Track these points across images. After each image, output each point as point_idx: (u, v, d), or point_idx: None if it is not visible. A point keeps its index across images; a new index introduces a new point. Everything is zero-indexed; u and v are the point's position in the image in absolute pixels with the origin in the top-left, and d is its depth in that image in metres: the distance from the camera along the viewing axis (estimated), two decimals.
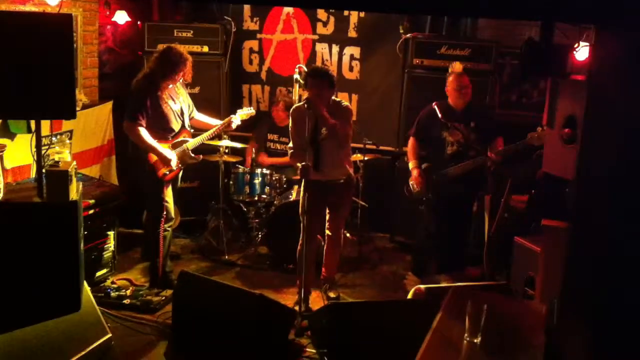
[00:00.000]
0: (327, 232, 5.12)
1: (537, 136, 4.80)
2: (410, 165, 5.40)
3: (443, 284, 4.73)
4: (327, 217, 5.10)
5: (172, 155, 4.99)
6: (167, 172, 5.02)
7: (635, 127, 2.22)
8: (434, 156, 5.33)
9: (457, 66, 5.36)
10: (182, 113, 5.13)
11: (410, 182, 5.38)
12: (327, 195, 4.94)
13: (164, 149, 4.97)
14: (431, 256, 5.48)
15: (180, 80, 5.12)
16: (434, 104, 5.26)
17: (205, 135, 5.26)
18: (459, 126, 5.15)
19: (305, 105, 4.63)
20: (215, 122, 5.39)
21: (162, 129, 4.99)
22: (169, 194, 5.11)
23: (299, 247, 4.89)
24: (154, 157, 4.95)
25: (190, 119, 5.29)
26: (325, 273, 5.25)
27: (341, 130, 4.74)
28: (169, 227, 5.16)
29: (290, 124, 4.94)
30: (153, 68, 4.91)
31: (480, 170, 5.21)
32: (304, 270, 4.74)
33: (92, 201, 5.05)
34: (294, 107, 4.83)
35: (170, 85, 5.01)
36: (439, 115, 5.13)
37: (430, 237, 5.44)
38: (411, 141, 5.46)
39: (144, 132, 4.86)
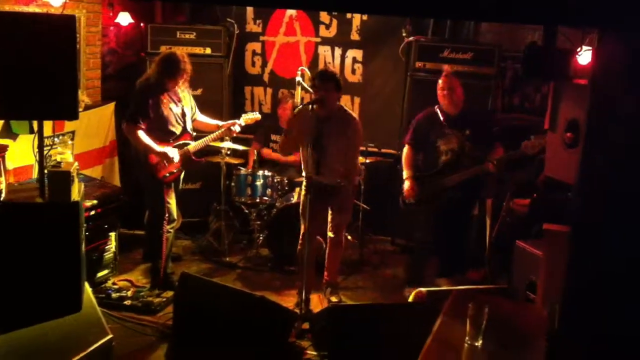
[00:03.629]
0: (329, 233, 5.12)
1: (530, 145, 4.80)
2: (405, 174, 5.31)
3: (444, 287, 4.72)
4: (329, 218, 5.10)
5: (173, 152, 5.00)
6: (168, 174, 5.03)
7: (638, 132, 2.22)
8: (427, 165, 5.28)
9: (445, 68, 5.36)
10: (183, 116, 5.14)
11: (404, 193, 5.29)
12: (329, 198, 4.95)
13: (163, 147, 4.97)
14: (425, 265, 5.45)
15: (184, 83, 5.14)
16: (428, 109, 5.26)
17: (207, 138, 5.27)
18: (454, 134, 5.12)
19: (311, 106, 4.66)
20: (218, 123, 5.40)
21: (163, 132, 5.01)
22: (171, 196, 5.11)
23: (299, 248, 4.91)
24: (154, 159, 4.96)
25: (193, 120, 5.30)
26: (327, 277, 5.25)
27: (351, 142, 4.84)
28: (171, 228, 5.17)
29: (288, 123, 4.96)
30: (154, 72, 4.94)
31: (478, 176, 5.21)
32: (304, 271, 4.75)
33: (93, 202, 5.06)
34: (299, 107, 4.85)
35: (172, 89, 5.02)
36: (441, 119, 5.12)
37: (424, 246, 5.40)
38: (407, 149, 5.38)
39: (142, 134, 4.87)
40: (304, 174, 4.91)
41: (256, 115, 5.58)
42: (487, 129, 5.44)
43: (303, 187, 4.97)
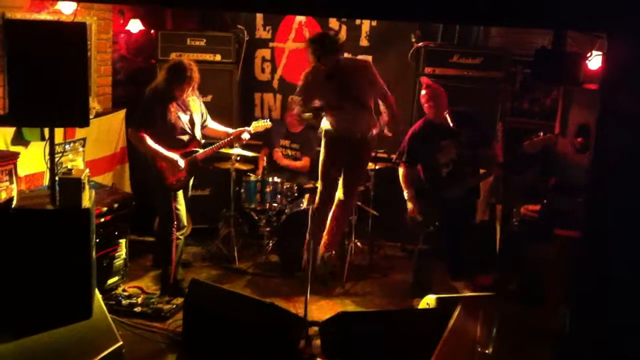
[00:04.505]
0: (340, 195, 5.15)
1: (531, 143, 4.78)
2: (406, 195, 5.16)
3: (453, 294, 4.70)
4: (342, 179, 5.15)
5: (177, 157, 5.02)
6: (175, 182, 5.04)
7: None
8: (430, 180, 5.17)
9: (424, 79, 5.36)
10: (192, 124, 5.14)
11: (410, 216, 5.17)
12: (343, 153, 5.05)
13: (170, 152, 5.00)
14: (430, 272, 5.41)
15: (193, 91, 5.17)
16: (420, 122, 5.22)
17: (215, 146, 5.28)
18: (451, 144, 5.08)
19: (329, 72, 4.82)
20: (227, 131, 5.41)
21: (171, 140, 5.02)
22: (180, 202, 5.12)
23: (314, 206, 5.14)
24: (163, 166, 4.98)
25: (204, 127, 5.32)
26: (326, 240, 5.27)
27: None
28: (180, 235, 5.18)
29: (301, 84, 5.06)
30: (162, 80, 4.96)
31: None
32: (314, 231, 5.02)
33: (104, 209, 5.07)
34: (311, 69, 5.00)
35: (180, 97, 5.04)
36: (435, 129, 5.06)
37: (425, 254, 5.36)
38: (402, 170, 5.21)
39: (147, 139, 4.90)
40: (329, 127, 5.04)
41: (266, 123, 5.59)
42: (482, 129, 5.36)
43: (323, 144, 5.08)
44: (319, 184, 5.24)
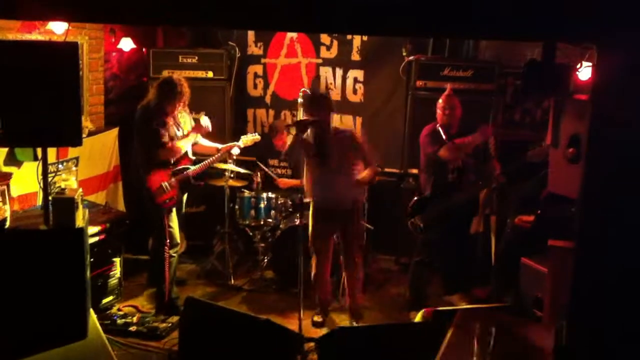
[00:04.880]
0: (345, 267, 5.19)
1: (536, 153, 4.82)
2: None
3: (449, 307, 4.70)
4: (343, 246, 5.16)
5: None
6: (168, 200, 5.04)
7: (638, 146, 2.23)
8: (435, 186, 5.24)
9: (448, 86, 5.33)
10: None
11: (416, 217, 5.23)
12: (340, 222, 5.01)
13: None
14: (425, 285, 5.42)
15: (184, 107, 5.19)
16: (429, 127, 5.26)
17: (206, 162, 5.29)
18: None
19: (307, 128, 4.74)
20: (217, 146, 5.42)
21: (162, 162, 5.05)
22: (173, 220, 5.12)
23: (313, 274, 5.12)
24: (154, 186, 4.98)
25: (195, 144, 5.32)
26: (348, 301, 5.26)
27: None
28: (174, 252, 5.17)
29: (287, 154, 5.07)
30: (153, 98, 4.99)
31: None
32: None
33: (98, 228, 5.06)
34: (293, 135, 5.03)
35: (172, 113, 5.05)
36: (444, 137, 5.12)
37: (421, 266, 5.37)
38: (423, 177, 5.38)
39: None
40: (308, 199, 4.97)
41: (255, 137, 5.60)
42: (485, 143, 5.42)
43: (311, 214, 5.01)
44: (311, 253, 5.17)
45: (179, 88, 4.94)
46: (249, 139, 5.54)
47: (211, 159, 5.33)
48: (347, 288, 5.22)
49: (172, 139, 5.02)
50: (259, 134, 5.73)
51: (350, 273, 5.14)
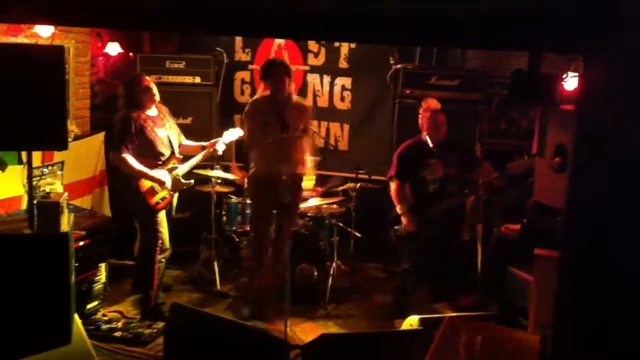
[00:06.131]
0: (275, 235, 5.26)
1: (515, 166, 4.85)
2: (400, 209, 5.21)
3: (435, 315, 4.71)
4: (280, 220, 5.22)
5: (165, 177, 5.02)
6: (160, 201, 5.01)
7: (624, 156, 2.25)
8: (416, 197, 5.25)
9: (433, 103, 5.28)
10: (169, 140, 5.15)
11: (399, 227, 5.21)
12: (272, 195, 5.05)
13: (155, 171, 4.99)
14: (410, 296, 5.42)
15: (166, 110, 5.22)
16: (412, 140, 5.29)
17: (194, 160, 5.27)
18: (438, 163, 5.16)
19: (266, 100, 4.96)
20: (202, 144, 5.40)
21: (151, 155, 5.01)
22: (163, 224, 5.09)
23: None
24: (144, 187, 4.95)
25: (179, 145, 5.31)
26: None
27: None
28: (162, 258, 5.14)
29: (247, 122, 5.15)
30: (124, 99, 5.01)
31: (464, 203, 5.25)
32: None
33: (83, 232, 5.02)
34: (252, 100, 5.17)
35: (151, 112, 5.05)
36: (428, 146, 5.15)
37: (408, 277, 5.37)
38: (395, 184, 5.28)
39: (131, 160, 4.89)
40: (253, 170, 5.13)
41: (237, 131, 5.55)
42: (472, 152, 5.47)
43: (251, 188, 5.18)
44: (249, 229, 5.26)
45: (142, 80, 5.02)
46: (231, 133, 5.50)
47: (198, 156, 5.30)
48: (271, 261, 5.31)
49: (152, 140, 4.99)
50: (239, 128, 5.70)
51: (275, 246, 5.27)
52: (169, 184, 5.04)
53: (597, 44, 2.23)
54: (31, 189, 3.53)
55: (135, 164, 4.89)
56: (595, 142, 2.30)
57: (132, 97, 4.98)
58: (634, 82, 2.23)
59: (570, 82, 3.84)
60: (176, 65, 6.50)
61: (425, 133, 5.21)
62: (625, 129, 2.23)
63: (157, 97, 5.08)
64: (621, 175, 2.25)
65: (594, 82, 2.30)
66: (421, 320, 4.15)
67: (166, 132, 5.13)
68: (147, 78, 5.08)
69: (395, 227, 5.23)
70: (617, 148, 2.25)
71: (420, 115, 5.29)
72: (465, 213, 5.53)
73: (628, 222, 2.25)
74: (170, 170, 5.11)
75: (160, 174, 5.01)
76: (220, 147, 5.37)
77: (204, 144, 5.39)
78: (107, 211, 6.46)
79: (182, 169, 5.19)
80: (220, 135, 5.44)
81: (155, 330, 4.84)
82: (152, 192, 4.98)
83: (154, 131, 5.01)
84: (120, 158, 4.88)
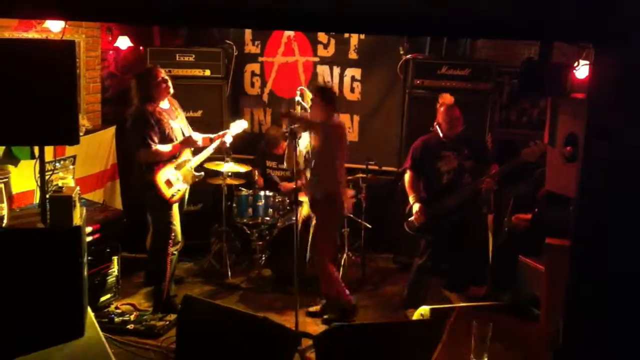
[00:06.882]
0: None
1: (530, 152, 4.82)
2: (412, 199, 5.25)
3: (447, 305, 4.70)
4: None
5: (196, 136, 5.27)
6: (175, 193, 5.02)
7: (635, 145, 2.23)
8: (429, 188, 5.25)
9: (447, 98, 5.24)
10: (182, 132, 5.17)
11: (412, 219, 5.23)
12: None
13: (180, 142, 5.10)
14: (424, 287, 5.42)
15: (177, 103, 5.24)
16: (428, 134, 5.28)
17: (205, 153, 5.28)
18: (453, 155, 5.15)
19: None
20: (210, 137, 5.40)
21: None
22: (175, 217, 5.11)
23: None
24: (160, 182, 4.96)
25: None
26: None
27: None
28: (175, 250, 5.16)
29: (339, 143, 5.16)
30: (137, 92, 5.01)
31: (478, 193, 5.23)
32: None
33: (95, 226, 5.05)
34: (339, 123, 5.27)
35: (164, 104, 5.05)
36: (441, 138, 5.13)
37: (423, 269, 5.37)
38: (409, 175, 5.32)
39: (162, 148, 4.96)
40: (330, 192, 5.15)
41: (243, 123, 5.55)
42: (484, 146, 5.46)
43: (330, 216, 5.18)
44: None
45: (156, 71, 5.02)
46: (237, 124, 5.49)
47: (210, 148, 5.32)
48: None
49: (169, 134, 5.01)
50: (244, 120, 5.71)
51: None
52: (200, 142, 5.24)
53: (607, 33, 2.21)
54: (43, 184, 3.54)
55: (167, 148, 4.99)
56: (607, 131, 2.29)
57: (146, 90, 4.98)
58: None
59: (582, 70, 3.81)
60: (186, 59, 6.52)
61: (441, 127, 5.19)
62: (636, 117, 2.21)
63: (172, 90, 5.08)
64: (633, 163, 2.24)
65: (605, 71, 2.28)
66: (432, 311, 4.15)
67: (179, 124, 5.15)
68: (162, 70, 5.09)
69: (409, 219, 5.23)
70: (628, 136, 2.24)
71: (437, 113, 5.27)
72: (480, 203, 5.51)
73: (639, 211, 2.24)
74: (183, 164, 5.12)
75: (186, 139, 5.17)
76: (228, 140, 5.37)
77: (212, 136, 5.40)
78: (118, 205, 6.50)
79: (195, 161, 5.20)
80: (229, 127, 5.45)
81: (167, 323, 4.87)
82: (169, 185, 5.00)
83: (170, 124, 5.03)
84: (152, 152, 4.91)
